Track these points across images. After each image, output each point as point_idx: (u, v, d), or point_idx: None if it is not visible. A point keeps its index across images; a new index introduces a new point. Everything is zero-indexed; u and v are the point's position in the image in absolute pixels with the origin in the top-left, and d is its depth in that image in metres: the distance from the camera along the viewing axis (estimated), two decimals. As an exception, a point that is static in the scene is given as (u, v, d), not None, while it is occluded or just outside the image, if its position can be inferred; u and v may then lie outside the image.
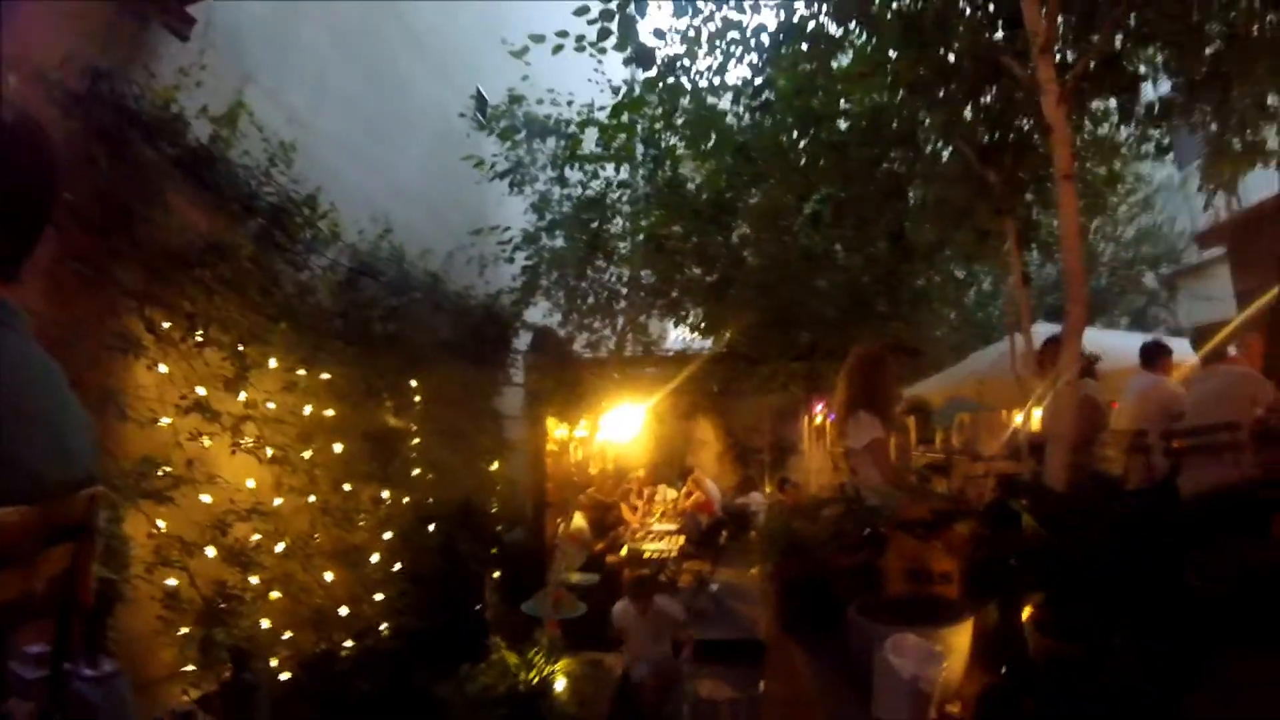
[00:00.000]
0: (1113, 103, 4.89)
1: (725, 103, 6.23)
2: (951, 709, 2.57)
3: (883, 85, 5.16)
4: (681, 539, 10.10)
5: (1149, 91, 4.79)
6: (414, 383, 5.71)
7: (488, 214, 7.70)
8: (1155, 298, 11.72)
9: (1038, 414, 5.37)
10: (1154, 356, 5.98)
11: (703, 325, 9.35)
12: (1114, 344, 6.78)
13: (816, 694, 3.10)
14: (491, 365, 7.33)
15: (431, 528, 5.83)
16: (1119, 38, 4.32)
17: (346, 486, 4.64)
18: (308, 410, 4.29)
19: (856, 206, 5.97)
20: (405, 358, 5.45)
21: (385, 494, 5.24)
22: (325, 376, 4.45)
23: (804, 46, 5.06)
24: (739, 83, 5.88)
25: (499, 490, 7.16)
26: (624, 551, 8.89)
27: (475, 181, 7.30)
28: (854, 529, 4.42)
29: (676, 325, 9.59)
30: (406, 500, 5.49)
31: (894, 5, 4.50)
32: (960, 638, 2.78)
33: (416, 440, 5.80)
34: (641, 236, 7.90)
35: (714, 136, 6.30)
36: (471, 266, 7.03)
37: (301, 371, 4.17)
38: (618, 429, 12.34)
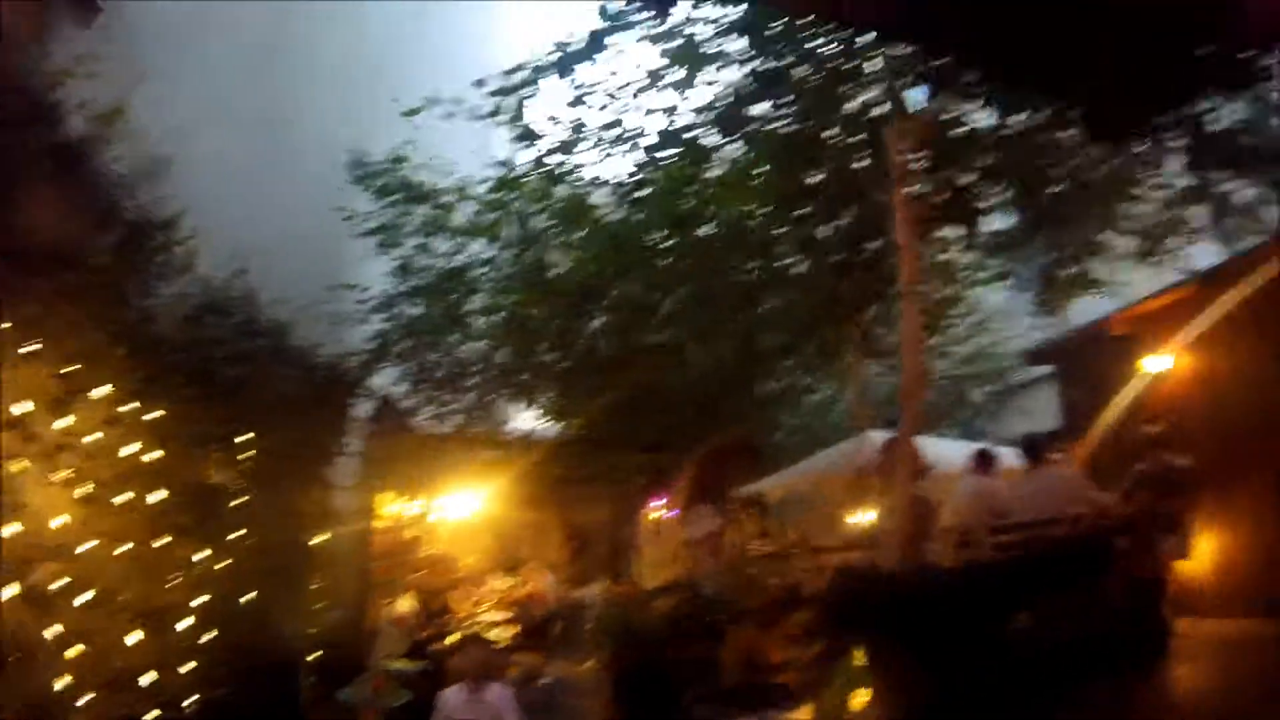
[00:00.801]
0: (958, 231, 5.51)
1: (600, 195, 6.52)
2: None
3: (751, 197, 5.56)
4: (513, 629, 9.71)
5: (992, 223, 5.47)
6: (248, 437, 5.35)
7: (351, 271, 7.48)
8: (982, 411, 12.84)
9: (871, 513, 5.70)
10: (983, 462, 6.59)
11: (553, 409, 9.37)
12: (945, 451, 7.40)
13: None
14: (329, 430, 6.98)
15: (247, 598, 5.36)
16: (971, 174, 4.96)
17: (163, 539, 4.22)
18: (132, 449, 3.91)
19: (711, 308, 6.29)
20: (242, 408, 5.12)
21: (202, 554, 4.80)
22: (156, 414, 4.10)
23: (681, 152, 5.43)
24: (615, 178, 6.16)
25: (324, 565, 6.71)
26: (450, 640, 8.42)
27: (350, 235, 7.11)
28: (692, 619, 4.51)
29: (527, 407, 9.54)
30: (224, 563, 5.04)
31: (772, 125, 4.96)
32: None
33: (242, 499, 5.40)
34: (502, 314, 7.92)
35: (586, 226, 6.54)
36: (325, 324, 6.77)
37: (133, 405, 3.82)
38: (454, 510, 11.90)
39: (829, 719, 2.94)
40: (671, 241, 6.11)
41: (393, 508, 8.88)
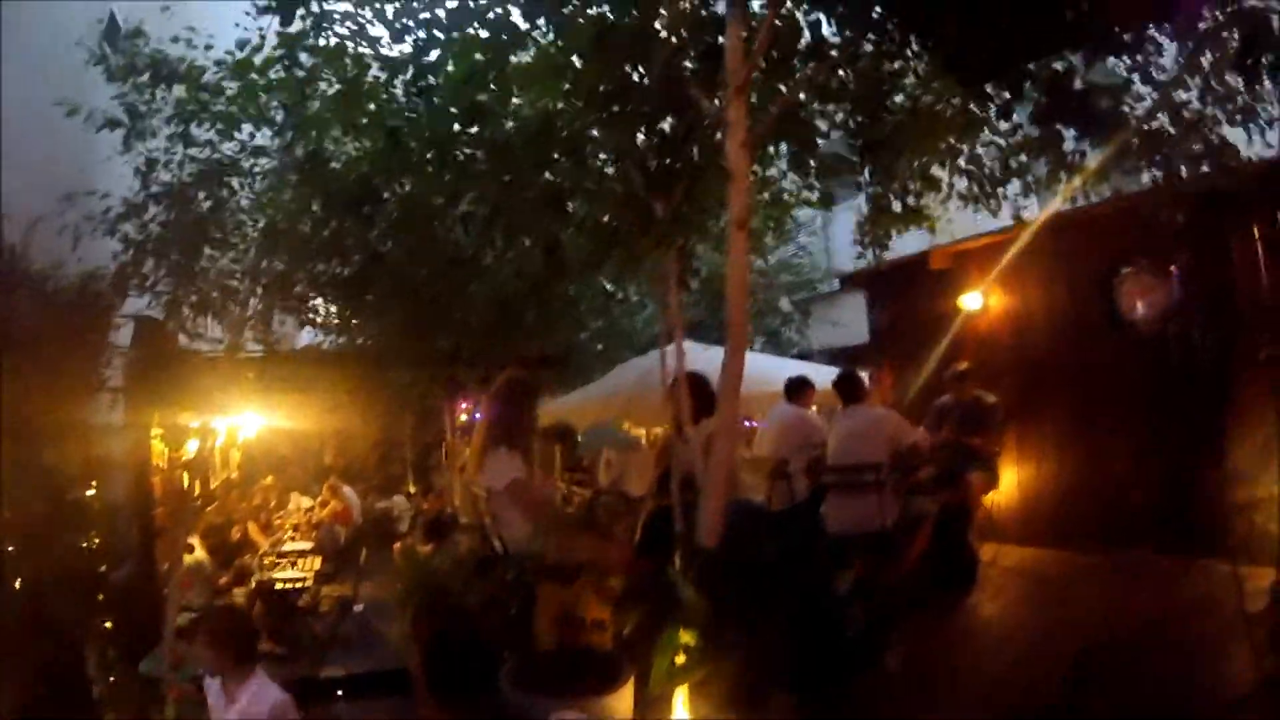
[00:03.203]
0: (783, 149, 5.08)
1: (383, 77, 5.66)
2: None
3: (558, 91, 4.93)
4: (318, 560, 9.14)
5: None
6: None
7: (91, 174, 6.04)
8: (789, 321, 12.81)
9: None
10: (798, 389, 6.72)
11: (335, 324, 8.53)
12: (753, 367, 7.52)
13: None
14: (82, 364, 5.86)
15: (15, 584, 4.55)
16: (810, 91, 4.55)
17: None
18: None
19: (512, 213, 5.67)
20: None
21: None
22: None
23: (481, 34, 4.69)
24: (399, 56, 5.31)
25: (97, 520, 5.82)
26: (253, 582, 7.76)
27: (83, 130, 5.67)
28: (499, 579, 4.16)
29: (302, 326, 8.62)
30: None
31: (589, 11, 4.38)
32: (623, 702, 2.77)
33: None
34: (262, 221, 6.86)
35: (364, 114, 5.61)
36: (64, 239, 5.50)
37: None
38: (240, 432, 10.78)
39: (658, 686, 2.84)
40: (466, 135, 5.37)
41: (169, 442, 7.79)
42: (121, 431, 6.72)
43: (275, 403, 9.37)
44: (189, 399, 7.49)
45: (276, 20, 4.86)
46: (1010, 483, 7.73)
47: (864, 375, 6.99)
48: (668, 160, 4.73)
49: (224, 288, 7.02)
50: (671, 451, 4.81)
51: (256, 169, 6.71)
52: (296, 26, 5.00)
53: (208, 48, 5.98)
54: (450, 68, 5.06)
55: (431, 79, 5.12)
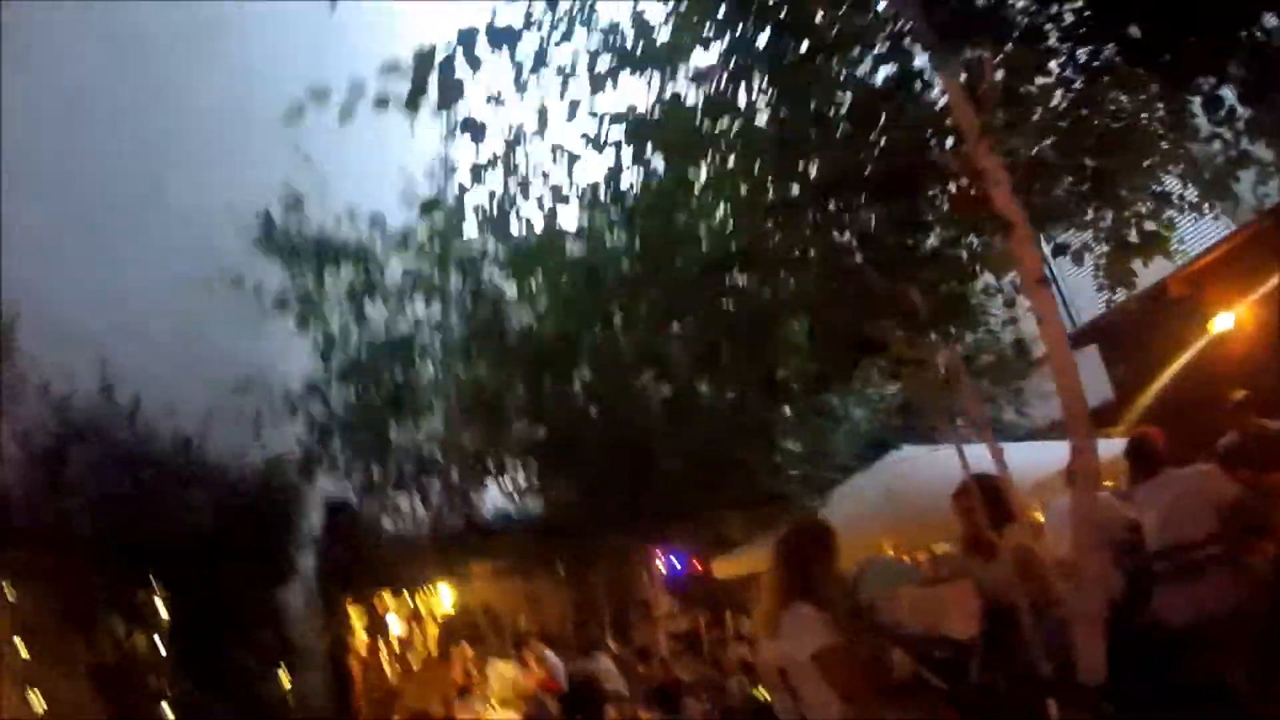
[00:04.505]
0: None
1: (570, 217, 5.35)
2: None
3: (753, 196, 4.36)
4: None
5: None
6: (156, 589, 4.19)
7: (266, 361, 6.14)
8: (996, 399, 11.50)
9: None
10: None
11: (534, 486, 8.15)
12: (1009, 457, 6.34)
13: None
14: (270, 553, 5.74)
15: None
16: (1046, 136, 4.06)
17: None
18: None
19: (724, 343, 4.99)
20: (139, 558, 3.95)
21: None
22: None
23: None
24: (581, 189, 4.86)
25: (291, 714, 5.52)
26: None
27: (254, 318, 5.81)
28: None
29: (502, 488, 8.27)
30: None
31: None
32: None
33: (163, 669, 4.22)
34: (453, 393, 6.69)
35: (547, 263, 5.29)
36: (242, 427, 5.52)
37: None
38: (437, 607, 10.56)
39: None
40: (657, 267, 4.82)
41: (366, 625, 7.55)
42: (315, 618, 6.52)
43: (469, 573, 9.08)
44: (384, 578, 7.30)
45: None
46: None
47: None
48: (908, 241, 4.02)
49: (420, 461, 6.90)
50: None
51: (434, 345, 6.66)
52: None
53: (373, 224, 6.11)
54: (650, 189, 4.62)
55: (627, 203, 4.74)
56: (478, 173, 4.51)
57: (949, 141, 3.69)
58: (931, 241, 4.19)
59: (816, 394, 5.95)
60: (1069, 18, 3.40)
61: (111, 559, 3.64)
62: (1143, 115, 4.19)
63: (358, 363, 6.39)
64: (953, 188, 3.63)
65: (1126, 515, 5.36)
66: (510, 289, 5.74)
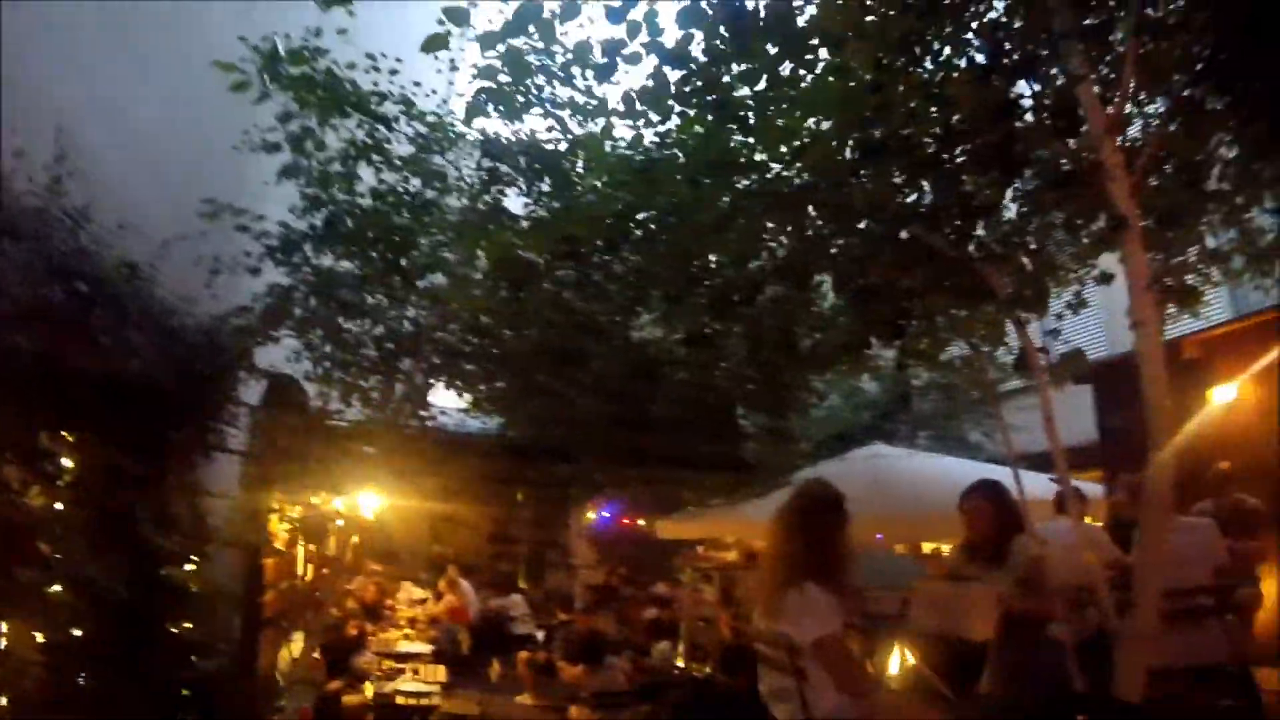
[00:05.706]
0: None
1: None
2: None
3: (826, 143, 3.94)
4: (441, 669, 7.89)
5: None
6: (63, 439, 3.47)
7: (244, 202, 5.23)
8: (970, 423, 11.30)
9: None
10: (1076, 500, 5.56)
11: (501, 403, 7.47)
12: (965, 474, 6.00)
13: None
14: (198, 420, 4.99)
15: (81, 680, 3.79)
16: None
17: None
18: None
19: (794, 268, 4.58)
20: (52, 396, 3.20)
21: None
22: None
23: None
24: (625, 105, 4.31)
25: (194, 602, 4.89)
26: (369, 691, 6.58)
27: (236, 148, 4.97)
28: None
29: (461, 395, 7.56)
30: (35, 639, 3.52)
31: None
32: None
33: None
34: (442, 278, 5.97)
35: (599, 154, 4.81)
36: (199, 272, 4.72)
37: None
38: (360, 510, 9.88)
39: None
40: (700, 199, 4.34)
41: (286, 519, 6.85)
42: (237, 503, 5.82)
43: (402, 484, 8.42)
44: (317, 472, 6.59)
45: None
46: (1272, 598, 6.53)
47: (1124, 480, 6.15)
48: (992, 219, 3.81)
49: (387, 349, 6.21)
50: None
51: (435, 221, 5.90)
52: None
53: (393, 73, 5.28)
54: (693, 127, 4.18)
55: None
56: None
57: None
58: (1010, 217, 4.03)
59: (832, 364, 5.78)
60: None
61: (18, 387, 2.87)
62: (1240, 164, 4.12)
63: (350, 227, 5.61)
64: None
65: (1111, 547, 5.46)
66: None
